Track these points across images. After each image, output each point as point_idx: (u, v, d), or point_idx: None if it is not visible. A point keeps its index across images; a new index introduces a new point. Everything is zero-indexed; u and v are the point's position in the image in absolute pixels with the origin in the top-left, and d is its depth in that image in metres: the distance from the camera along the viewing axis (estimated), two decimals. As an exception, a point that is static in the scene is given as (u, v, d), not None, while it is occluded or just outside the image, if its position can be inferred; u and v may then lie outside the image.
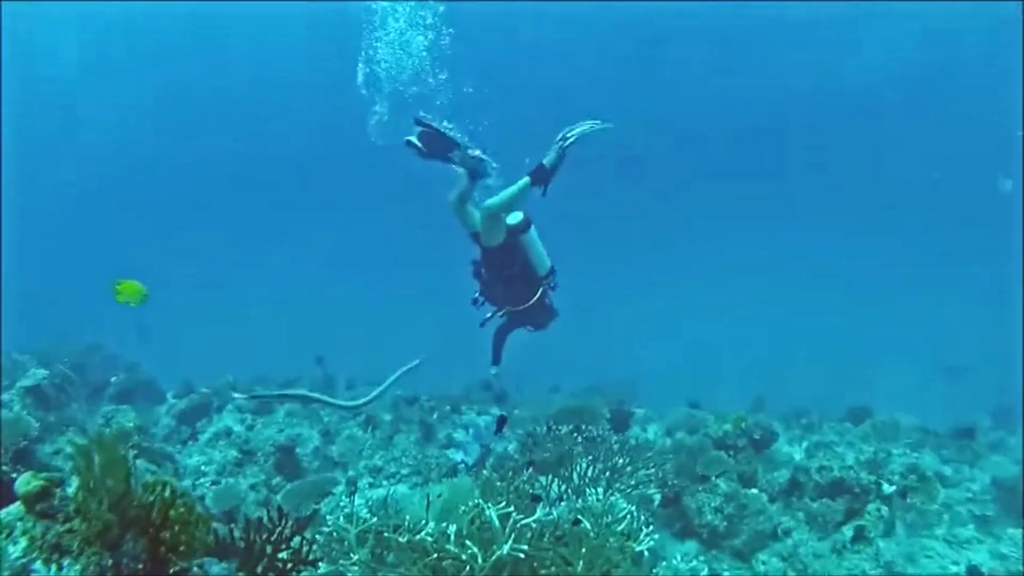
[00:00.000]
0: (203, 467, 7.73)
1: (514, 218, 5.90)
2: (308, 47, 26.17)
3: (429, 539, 3.93)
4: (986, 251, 30.79)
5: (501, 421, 6.37)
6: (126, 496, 2.98)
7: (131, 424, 7.27)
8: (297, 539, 3.91)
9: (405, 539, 4.02)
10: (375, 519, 4.22)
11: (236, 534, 3.78)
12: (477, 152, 5.58)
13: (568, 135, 5.57)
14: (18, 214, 30.21)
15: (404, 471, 7.71)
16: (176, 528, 3.06)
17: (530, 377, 11.22)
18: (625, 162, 29.88)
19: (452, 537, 3.86)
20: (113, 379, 10.55)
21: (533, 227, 5.98)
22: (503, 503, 4.09)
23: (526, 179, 5.56)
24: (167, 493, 3.16)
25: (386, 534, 4.10)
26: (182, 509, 3.15)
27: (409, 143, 5.43)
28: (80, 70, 29.09)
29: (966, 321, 23.80)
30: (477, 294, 6.13)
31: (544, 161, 5.59)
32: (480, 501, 4.13)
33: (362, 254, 38.74)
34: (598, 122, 5.63)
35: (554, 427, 6.73)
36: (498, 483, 4.62)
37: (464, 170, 5.63)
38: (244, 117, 32.17)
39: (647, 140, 29.72)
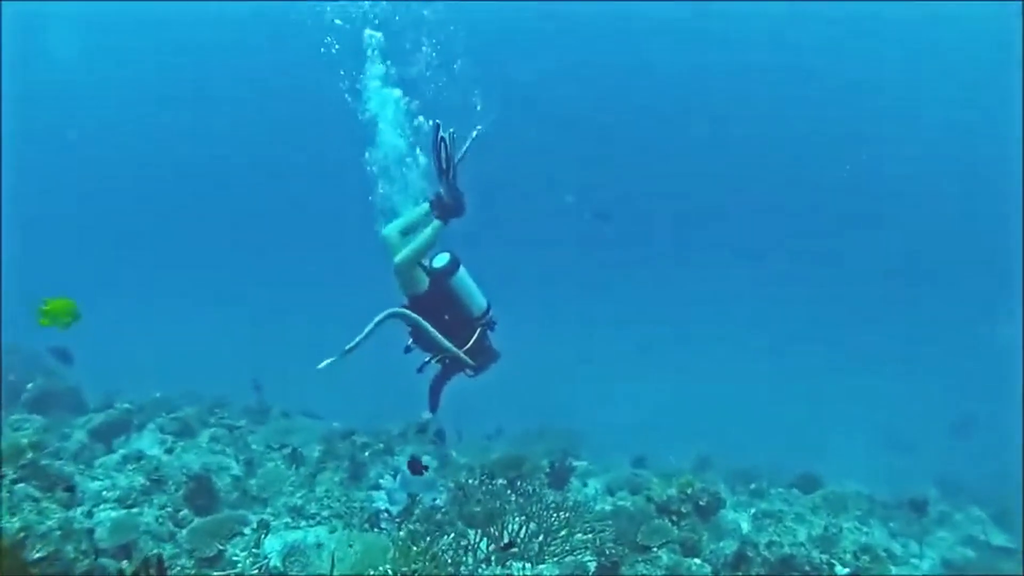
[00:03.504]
0: (105, 492, 7.01)
1: (439, 260, 5.46)
2: (308, 50, 25.53)
3: (323, 612, 3.44)
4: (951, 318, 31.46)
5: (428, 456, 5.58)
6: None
7: (26, 440, 6.57)
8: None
9: (298, 608, 3.52)
10: (269, 580, 3.71)
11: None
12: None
13: (448, 156, 5.27)
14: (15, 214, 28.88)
15: (324, 513, 7.12)
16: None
17: (473, 418, 10.72)
18: (590, 208, 29.94)
19: (351, 611, 3.38)
20: (30, 385, 9.78)
21: (462, 267, 5.51)
22: (415, 572, 3.64)
23: (437, 223, 5.29)
24: (-3, 547, 2.63)
25: (278, 601, 3.58)
26: (7, 562, 2.59)
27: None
28: (80, 70, 28.27)
29: (915, 394, 24.06)
30: (410, 341, 5.57)
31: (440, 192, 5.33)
32: (389, 570, 3.66)
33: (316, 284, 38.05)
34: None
35: (487, 479, 6.26)
36: (413, 548, 4.13)
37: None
38: (237, 121, 31.30)
39: (612, 188, 29.87)
